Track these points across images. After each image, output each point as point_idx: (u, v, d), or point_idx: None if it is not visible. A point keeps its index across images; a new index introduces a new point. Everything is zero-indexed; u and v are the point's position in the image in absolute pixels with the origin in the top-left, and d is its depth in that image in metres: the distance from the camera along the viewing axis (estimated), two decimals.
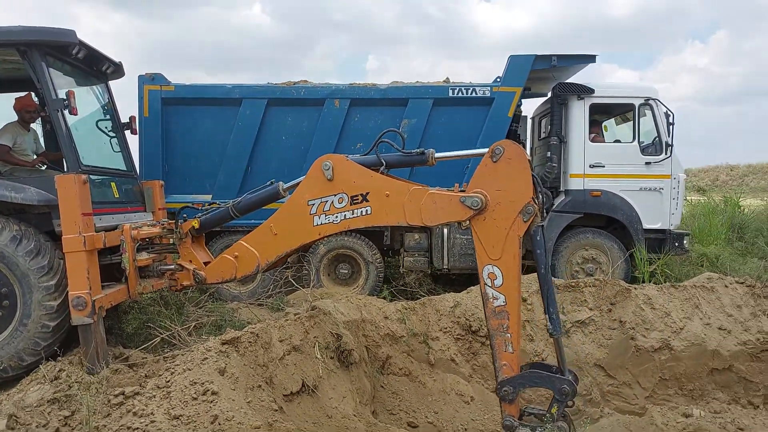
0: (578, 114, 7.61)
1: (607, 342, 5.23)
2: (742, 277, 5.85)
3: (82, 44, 4.83)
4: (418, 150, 3.72)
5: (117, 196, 5.36)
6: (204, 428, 3.15)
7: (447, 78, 8.04)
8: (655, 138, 7.63)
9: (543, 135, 8.39)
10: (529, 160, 3.19)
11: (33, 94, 5.58)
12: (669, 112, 7.54)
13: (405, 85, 7.73)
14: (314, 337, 4.49)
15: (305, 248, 6.74)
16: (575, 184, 7.63)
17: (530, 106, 9.28)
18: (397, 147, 3.70)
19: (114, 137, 5.74)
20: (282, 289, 7.31)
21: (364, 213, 3.55)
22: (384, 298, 6.91)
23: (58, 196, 4.30)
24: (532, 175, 3.14)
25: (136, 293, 4.66)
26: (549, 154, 7.61)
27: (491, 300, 3.21)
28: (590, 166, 7.58)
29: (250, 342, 4.01)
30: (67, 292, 4.30)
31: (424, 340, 5.29)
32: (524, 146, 8.41)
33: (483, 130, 7.50)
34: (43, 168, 5.62)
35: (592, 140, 7.73)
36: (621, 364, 5.14)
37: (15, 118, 5.48)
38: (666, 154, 7.52)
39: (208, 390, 3.40)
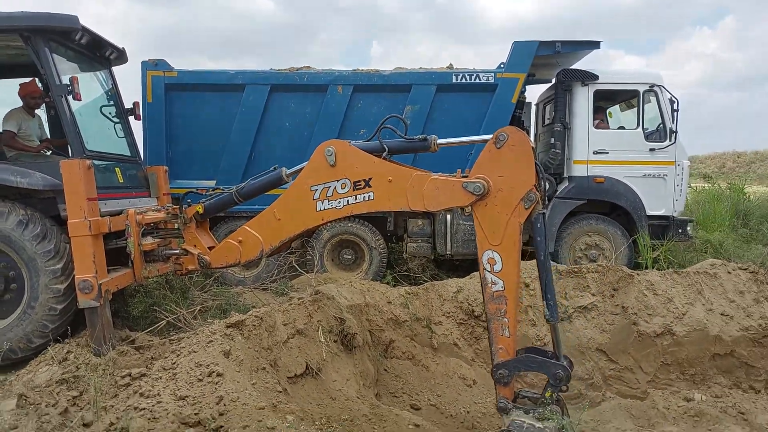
0: (582, 100, 7.57)
1: (610, 327, 5.25)
2: (746, 263, 5.84)
3: (85, 30, 4.83)
4: (420, 136, 3.72)
5: (121, 181, 5.39)
6: (209, 408, 3.20)
7: (450, 64, 7.97)
8: (659, 124, 7.60)
9: (547, 121, 8.36)
10: (533, 147, 3.19)
11: (37, 80, 5.60)
12: (674, 99, 7.51)
13: (408, 72, 7.67)
14: (318, 321, 4.52)
15: (309, 234, 6.77)
16: (579, 171, 7.62)
17: (534, 93, 9.23)
18: (399, 133, 3.71)
19: (118, 123, 5.76)
20: (286, 274, 7.35)
21: (366, 198, 3.57)
22: (387, 283, 6.95)
23: (63, 181, 4.34)
24: (535, 163, 3.14)
25: (142, 277, 4.71)
26: (553, 140, 7.59)
27: (490, 285, 3.23)
28: (594, 153, 7.57)
29: (254, 325, 4.04)
30: (74, 275, 4.36)
31: (427, 325, 5.34)
32: (528, 133, 8.39)
33: (486, 116, 7.46)
34: (48, 153, 5.66)
35: (596, 126, 7.71)
36: (623, 349, 5.16)
37: (20, 104, 5.51)
38: (670, 140, 7.49)
39: (213, 372, 3.44)
